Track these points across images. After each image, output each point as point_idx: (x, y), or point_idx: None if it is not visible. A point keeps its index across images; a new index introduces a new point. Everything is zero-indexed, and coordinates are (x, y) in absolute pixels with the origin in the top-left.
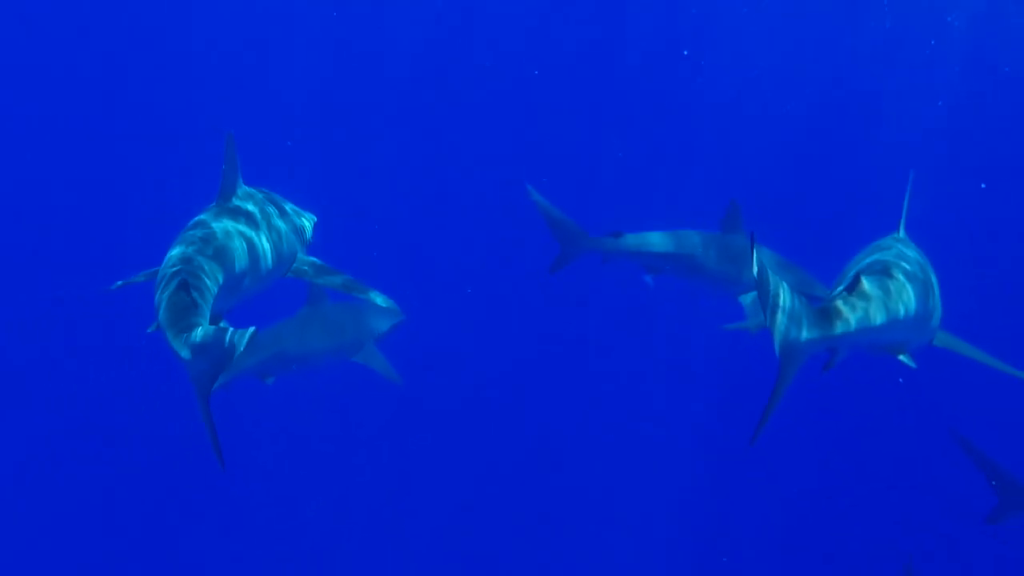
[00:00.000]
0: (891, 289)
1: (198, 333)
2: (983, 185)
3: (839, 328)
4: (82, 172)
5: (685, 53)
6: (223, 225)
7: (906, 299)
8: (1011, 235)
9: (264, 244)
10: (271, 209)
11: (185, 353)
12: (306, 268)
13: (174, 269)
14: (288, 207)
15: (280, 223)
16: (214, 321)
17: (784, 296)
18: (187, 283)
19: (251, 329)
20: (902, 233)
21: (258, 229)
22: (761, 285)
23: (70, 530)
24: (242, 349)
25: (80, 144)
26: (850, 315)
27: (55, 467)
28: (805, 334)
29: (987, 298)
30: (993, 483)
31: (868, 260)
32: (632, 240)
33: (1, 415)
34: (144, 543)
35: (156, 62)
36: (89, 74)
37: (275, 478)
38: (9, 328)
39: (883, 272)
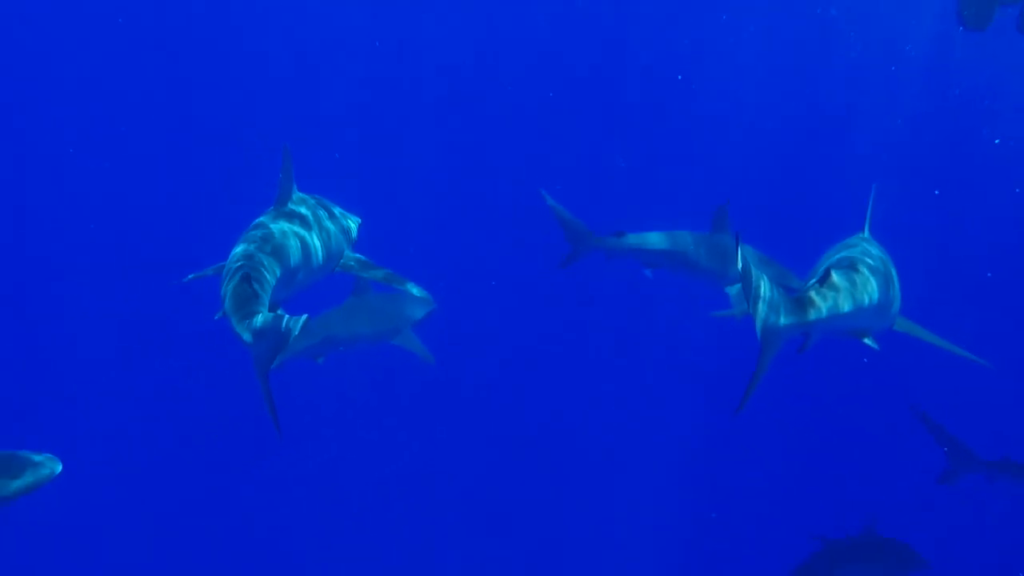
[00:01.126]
0: (857, 281)
1: (258, 319)
2: (936, 192)
3: (812, 315)
4: (162, 182)
5: (679, 78)
6: (280, 226)
7: (870, 290)
8: (960, 234)
9: (315, 243)
10: (321, 212)
11: (247, 337)
12: (352, 263)
13: (238, 264)
14: (336, 211)
15: (329, 224)
16: (272, 309)
17: (764, 287)
18: (249, 276)
19: (304, 316)
20: (866, 233)
21: (310, 230)
22: (745, 278)
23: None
24: (296, 333)
25: (160, 159)
26: (821, 304)
27: (141, 440)
28: (783, 320)
29: (940, 288)
30: (945, 449)
31: (837, 256)
32: (633, 239)
33: (92, 394)
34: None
35: (230, 91)
36: (171, 103)
37: (326, 445)
38: (100, 315)
39: (850, 266)
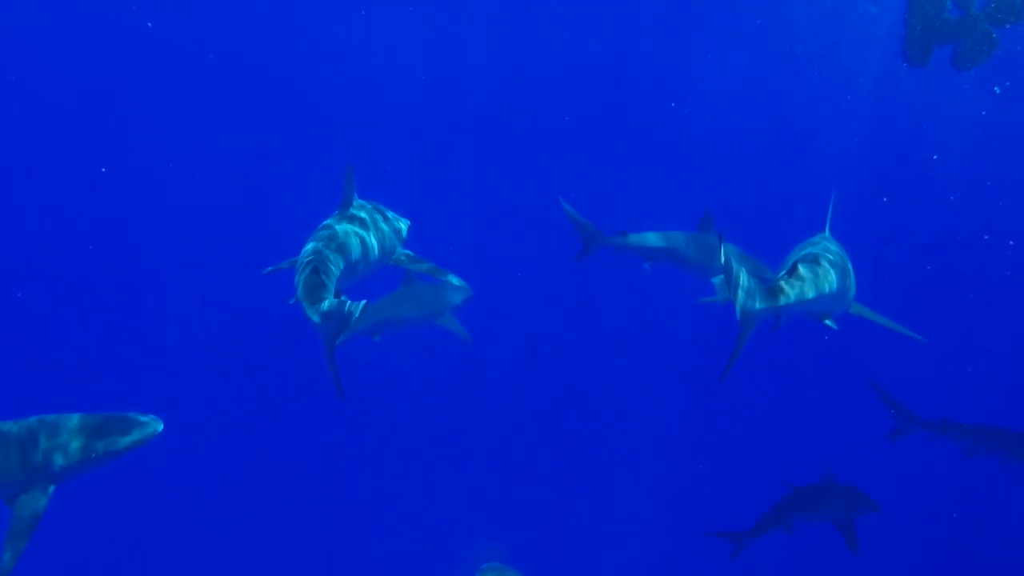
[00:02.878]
0: (819, 273)
1: (325, 304)
2: (885, 198)
3: (782, 300)
4: (247, 194)
5: (672, 105)
6: (343, 227)
7: (830, 280)
8: (904, 233)
9: (372, 241)
10: (377, 216)
11: (316, 319)
12: (402, 258)
13: (308, 259)
14: (390, 214)
15: (384, 226)
16: (337, 296)
17: (743, 278)
18: (318, 268)
19: (363, 301)
20: (827, 232)
21: (368, 230)
22: (727, 270)
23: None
24: (357, 315)
25: (246, 176)
26: (790, 291)
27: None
28: (758, 305)
29: (888, 278)
30: (892, 412)
31: (803, 252)
32: (634, 238)
33: (189, 362)
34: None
35: (304, 122)
36: (257, 134)
37: (379, 411)
38: (197, 301)
39: (813, 260)
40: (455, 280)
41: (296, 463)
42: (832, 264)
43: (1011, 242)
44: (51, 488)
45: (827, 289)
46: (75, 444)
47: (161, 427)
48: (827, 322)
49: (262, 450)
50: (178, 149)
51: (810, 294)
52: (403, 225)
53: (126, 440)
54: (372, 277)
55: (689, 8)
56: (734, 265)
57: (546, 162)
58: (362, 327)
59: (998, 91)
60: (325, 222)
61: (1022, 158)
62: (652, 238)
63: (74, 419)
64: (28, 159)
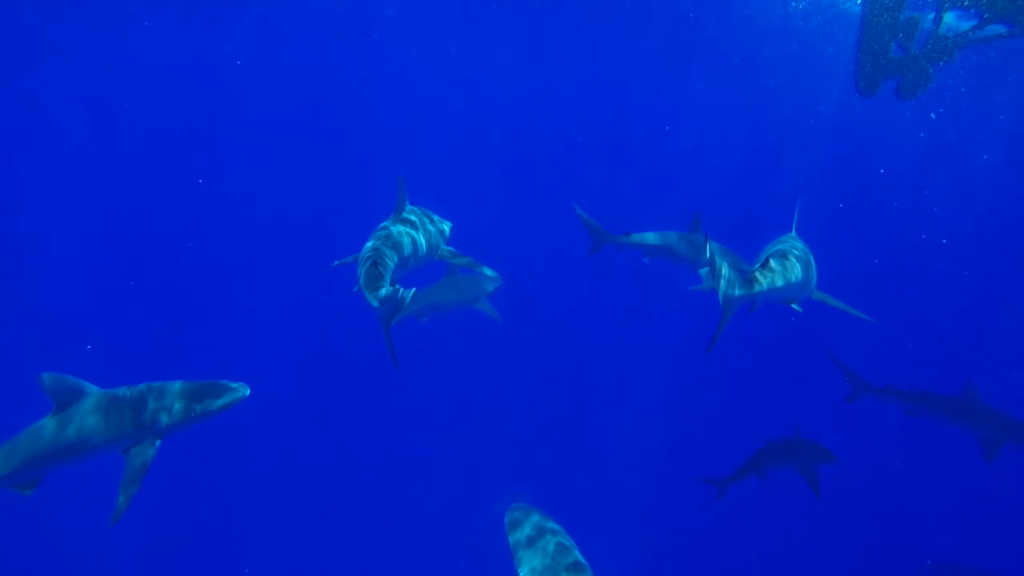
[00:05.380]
0: (787, 265)
1: (383, 292)
2: (841, 205)
3: (757, 288)
4: (318, 201)
5: (667, 128)
6: (397, 228)
7: (796, 271)
8: (856, 233)
9: (421, 240)
10: (425, 219)
11: (375, 303)
12: (445, 253)
13: (368, 254)
14: (435, 218)
15: (430, 227)
16: (392, 285)
17: (725, 269)
18: (376, 262)
19: (413, 289)
20: (793, 232)
21: (417, 231)
22: (712, 263)
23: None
24: (408, 301)
25: (317, 187)
26: (763, 280)
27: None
28: (737, 292)
29: (843, 270)
30: (847, 379)
31: (773, 248)
32: (636, 237)
33: (270, 340)
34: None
35: (364, 143)
36: (327, 155)
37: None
38: (277, 289)
39: (782, 255)
40: (489, 271)
41: (358, 422)
42: (798, 258)
43: (944, 240)
44: (158, 442)
45: (793, 279)
46: (177, 405)
47: (248, 392)
48: (794, 306)
49: (329, 411)
50: (262, 164)
51: (779, 283)
52: (446, 226)
53: (219, 403)
54: (421, 270)
55: (680, 48)
56: (718, 259)
57: (562, 174)
58: (412, 311)
59: (933, 117)
60: (382, 224)
61: (953, 171)
62: (650, 237)
63: (176, 385)
64: (137, 173)
